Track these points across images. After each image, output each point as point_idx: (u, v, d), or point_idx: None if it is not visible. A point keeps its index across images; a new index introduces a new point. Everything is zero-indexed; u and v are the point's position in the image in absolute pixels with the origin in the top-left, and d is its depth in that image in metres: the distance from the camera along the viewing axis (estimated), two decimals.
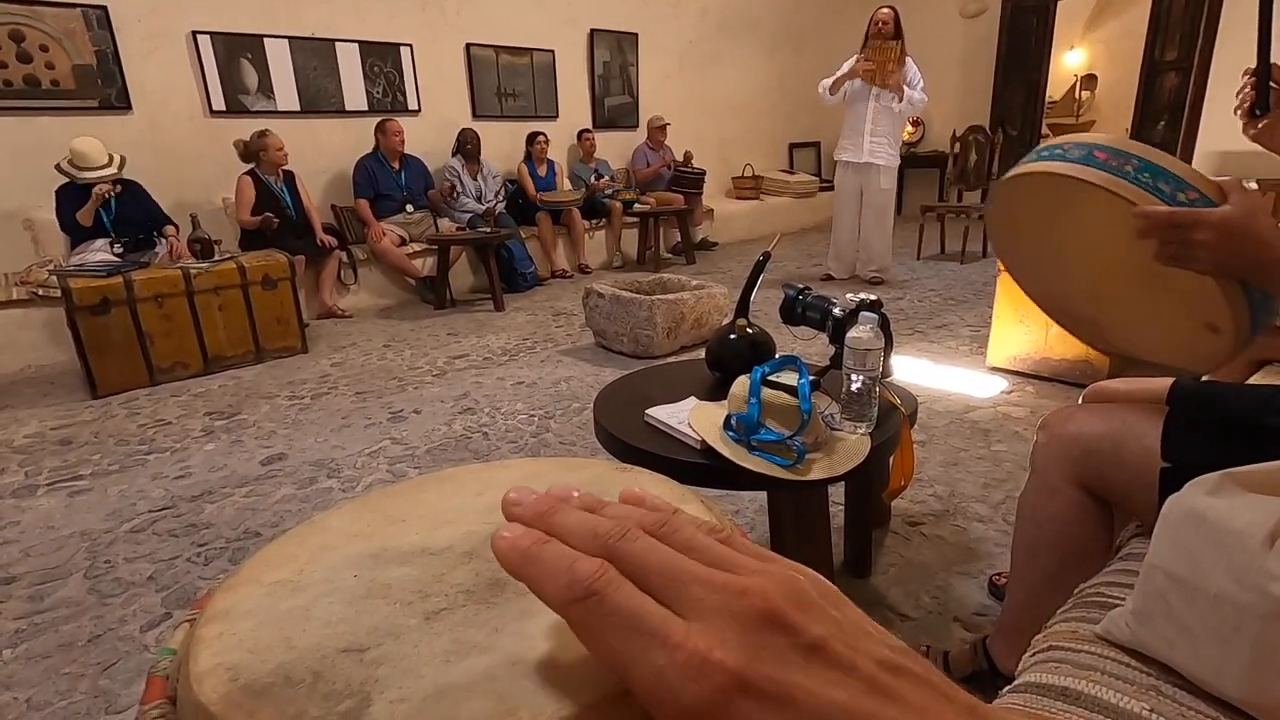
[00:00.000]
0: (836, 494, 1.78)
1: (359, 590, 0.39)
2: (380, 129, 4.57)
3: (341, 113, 4.81)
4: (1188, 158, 6.13)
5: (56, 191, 3.47)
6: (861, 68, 4.24)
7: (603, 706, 0.28)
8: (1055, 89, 8.25)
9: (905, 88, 4.24)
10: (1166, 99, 6.20)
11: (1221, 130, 5.95)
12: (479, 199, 4.99)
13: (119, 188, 3.54)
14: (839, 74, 4.34)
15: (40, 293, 3.38)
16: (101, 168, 3.47)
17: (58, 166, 3.45)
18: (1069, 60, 8.75)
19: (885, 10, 4.20)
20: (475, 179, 5.01)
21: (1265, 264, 0.76)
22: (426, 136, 5.07)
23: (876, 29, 4.21)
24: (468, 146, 4.92)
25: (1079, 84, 8.73)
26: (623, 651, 0.22)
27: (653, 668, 0.21)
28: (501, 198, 5.09)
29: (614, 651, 0.22)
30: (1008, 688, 0.71)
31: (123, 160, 3.58)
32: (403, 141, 4.62)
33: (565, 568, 0.24)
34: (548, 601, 0.24)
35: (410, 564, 0.42)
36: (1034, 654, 0.76)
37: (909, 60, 4.26)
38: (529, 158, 5.39)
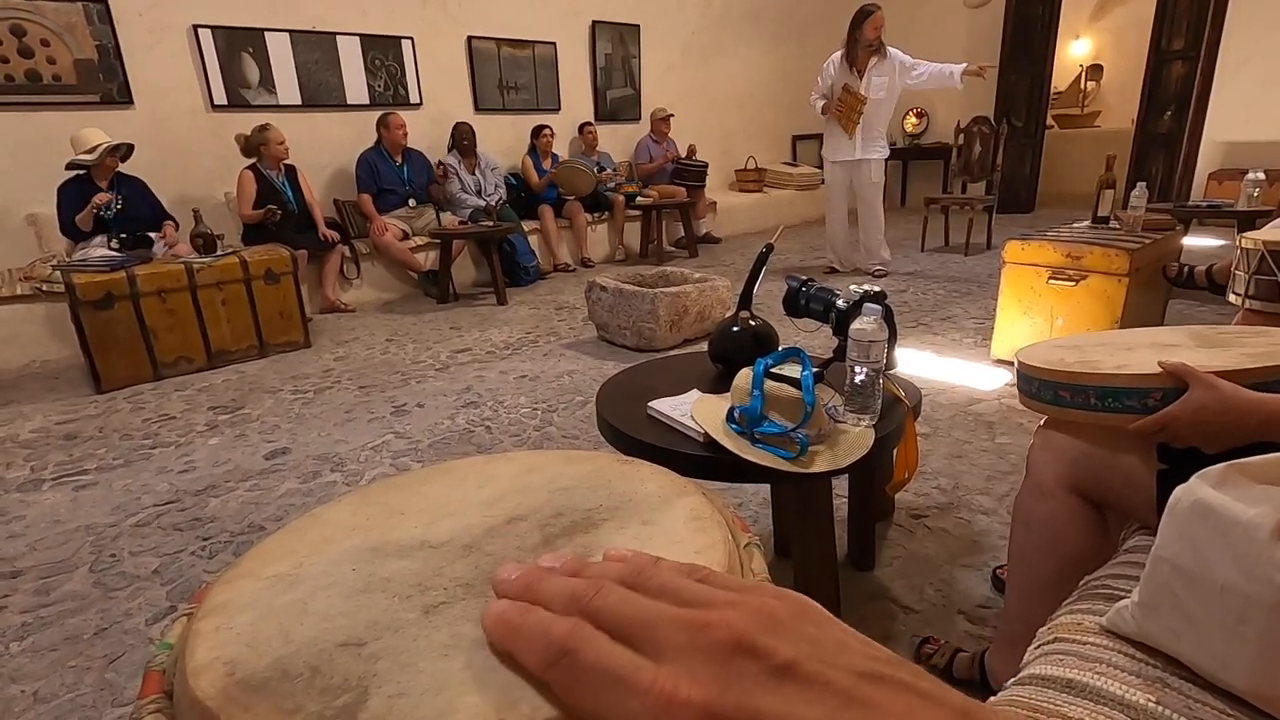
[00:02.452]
0: (840, 487, 1.77)
1: (357, 584, 0.39)
2: (383, 123, 4.55)
3: (343, 106, 4.80)
4: (1194, 148, 6.09)
5: (58, 190, 3.45)
6: (834, 112, 4.31)
7: None
8: (1060, 79, 8.19)
9: (904, 78, 4.20)
10: (1173, 89, 6.15)
11: (1229, 121, 5.91)
12: (478, 193, 4.97)
13: (120, 200, 3.51)
14: (821, 102, 4.38)
15: (44, 288, 3.38)
16: (101, 144, 3.44)
17: (69, 165, 3.42)
18: (1075, 50, 8.69)
19: (880, 14, 4.09)
20: (473, 173, 4.99)
21: (1250, 430, 0.81)
22: (429, 130, 5.06)
23: (877, 33, 4.10)
24: (464, 141, 4.91)
25: (1084, 74, 8.66)
26: (599, 704, 0.22)
27: (626, 715, 0.21)
28: (500, 188, 5.07)
29: (591, 705, 0.22)
30: (1012, 679, 0.71)
31: (130, 148, 3.56)
32: (405, 135, 4.61)
33: (542, 632, 0.25)
34: (532, 670, 0.25)
35: (409, 557, 0.41)
36: (1039, 646, 0.75)
37: (891, 51, 4.18)
38: (533, 150, 5.38)
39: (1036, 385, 1.00)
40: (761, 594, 0.25)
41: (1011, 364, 2.84)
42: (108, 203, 3.42)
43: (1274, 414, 0.79)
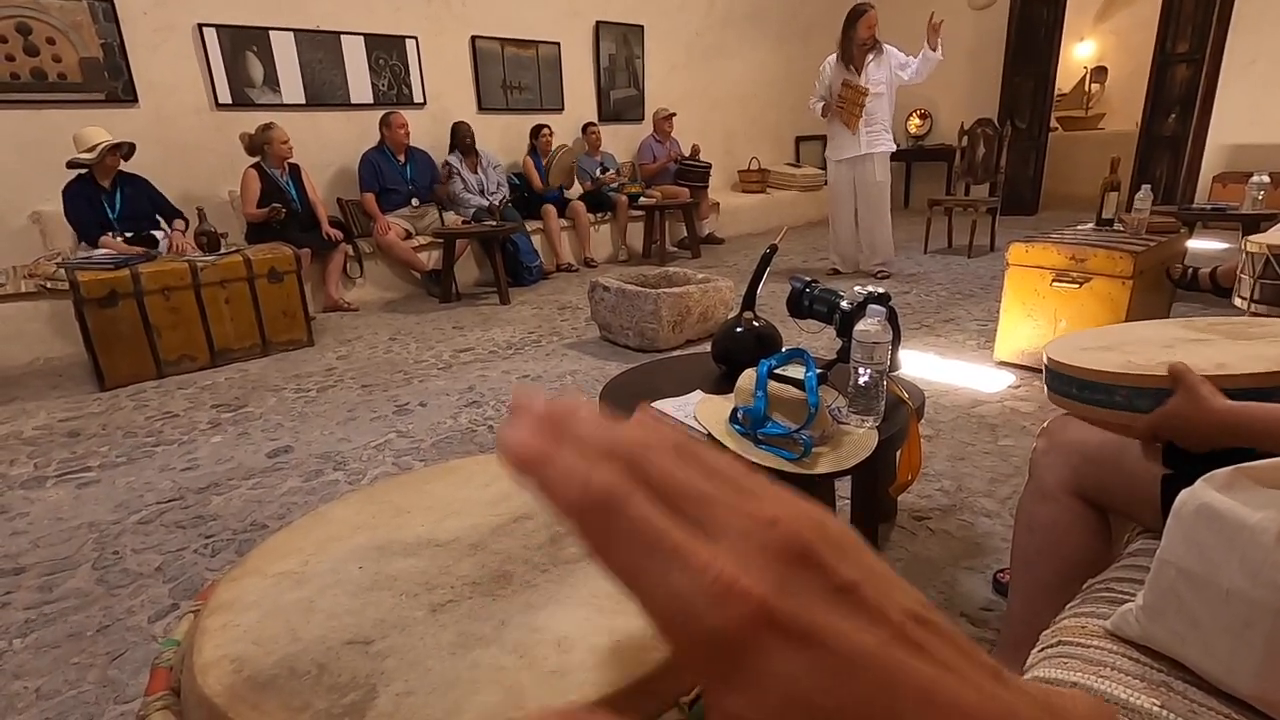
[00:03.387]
0: (843, 488, 1.77)
1: (364, 582, 0.39)
2: (385, 122, 4.56)
3: (347, 106, 4.81)
4: (1199, 151, 6.08)
5: (63, 193, 3.44)
6: (836, 109, 4.29)
7: (613, 700, 0.28)
8: (1065, 81, 8.17)
9: (900, 72, 4.20)
10: (1178, 91, 6.14)
11: (1234, 123, 5.90)
12: (481, 192, 4.98)
13: (146, 257, 3.46)
14: (821, 103, 4.38)
15: (48, 285, 3.39)
16: (101, 143, 3.43)
17: (69, 163, 3.41)
18: (1079, 52, 8.67)
19: (873, 13, 4.09)
20: (475, 171, 4.99)
21: (1216, 435, 0.79)
22: (431, 129, 5.06)
23: (871, 32, 4.10)
24: (465, 140, 4.91)
25: (1089, 76, 8.65)
26: (639, 569, 0.20)
27: (671, 590, 0.19)
28: (502, 186, 5.07)
29: (628, 568, 0.20)
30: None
31: (131, 147, 3.57)
32: (407, 134, 4.62)
33: (581, 471, 0.21)
34: (558, 505, 0.22)
35: (416, 556, 0.41)
36: (1042, 648, 0.75)
37: (886, 48, 4.18)
38: (533, 150, 5.38)
39: (1048, 376, 0.97)
40: (814, 506, 0.23)
41: (1014, 365, 2.84)
42: (140, 255, 3.38)
43: (1238, 422, 0.79)
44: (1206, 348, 0.95)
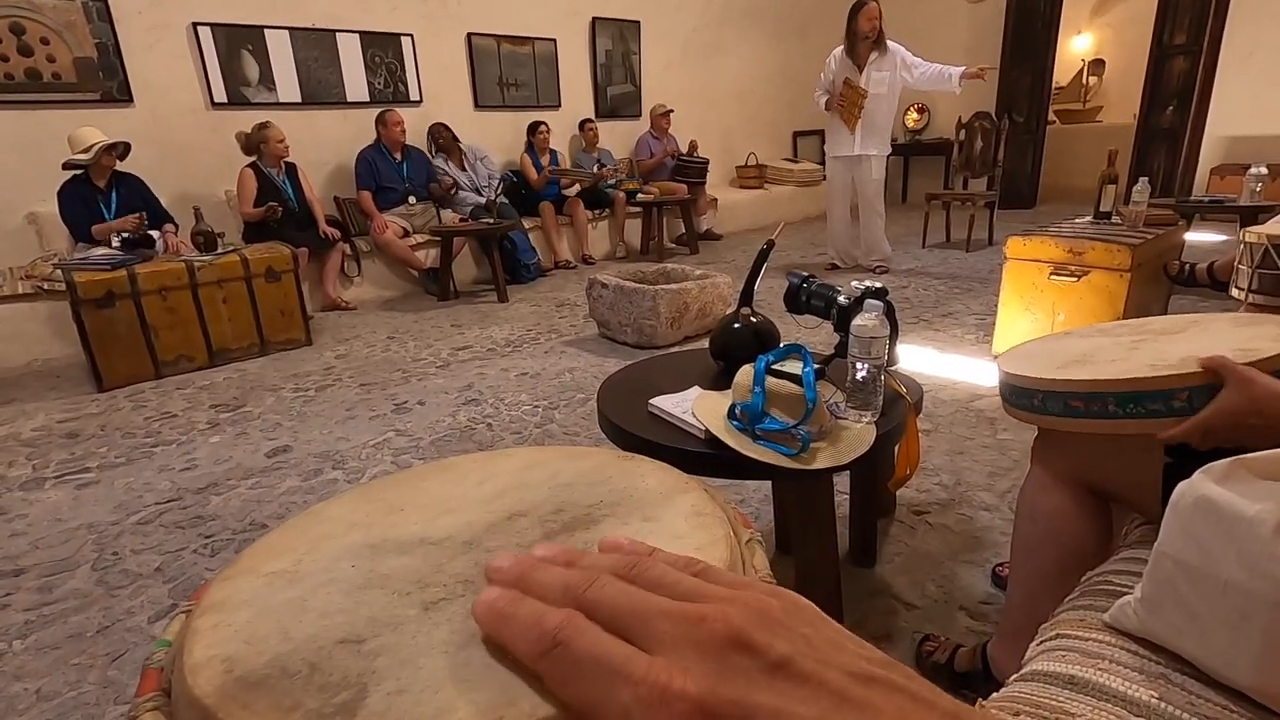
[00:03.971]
0: (841, 483, 1.77)
1: (357, 581, 0.38)
2: (380, 120, 4.55)
3: (343, 104, 4.79)
4: (1196, 143, 6.07)
5: (58, 194, 3.43)
6: (836, 106, 4.30)
7: None
8: (1062, 74, 8.16)
9: (905, 75, 4.20)
10: (1175, 84, 6.13)
11: (1231, 115, 5.89)
12: (476, 190, 4.97)
13: (144, 225, 3.46)
14: (825, 97, 4.37)
15: (45, 286, 3.38)
16: (96, 143, 3.42)
17: (65, 164, 3.40)
18: (1076, 45, 8.66)
19: (874, 6, 4.08)
20: (464, 169, 4.98)
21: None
22: (428, 127, 5.05)
23: (872, 25, 4.09)
24: (439, 141, 4.90)
25: (1086, 69, 8.64)
26: (591, 695, 0.22)
27: (619, 706, 0.21)
28: (496, 182, 5.05)
29: (584, 696, 0.22)
30: (1015, 676, 0.71)
31: (127, 146, 3.55)
32: (403, 132, 4.61)
33: (534, 623, 0.25)
34: (522, 659, 0.25)
35: (409, 554, 0.41)
36: (1041, 642, 0.75)
37: (892, 46, 4.18)
38: (531, 147, 5.37)
39: (1041, 396, 0.92)
40: (756, 590, 0.25)
41: None
42: (136, 227, 3.37)
43: None
44: (1183, 341, 0.94)
